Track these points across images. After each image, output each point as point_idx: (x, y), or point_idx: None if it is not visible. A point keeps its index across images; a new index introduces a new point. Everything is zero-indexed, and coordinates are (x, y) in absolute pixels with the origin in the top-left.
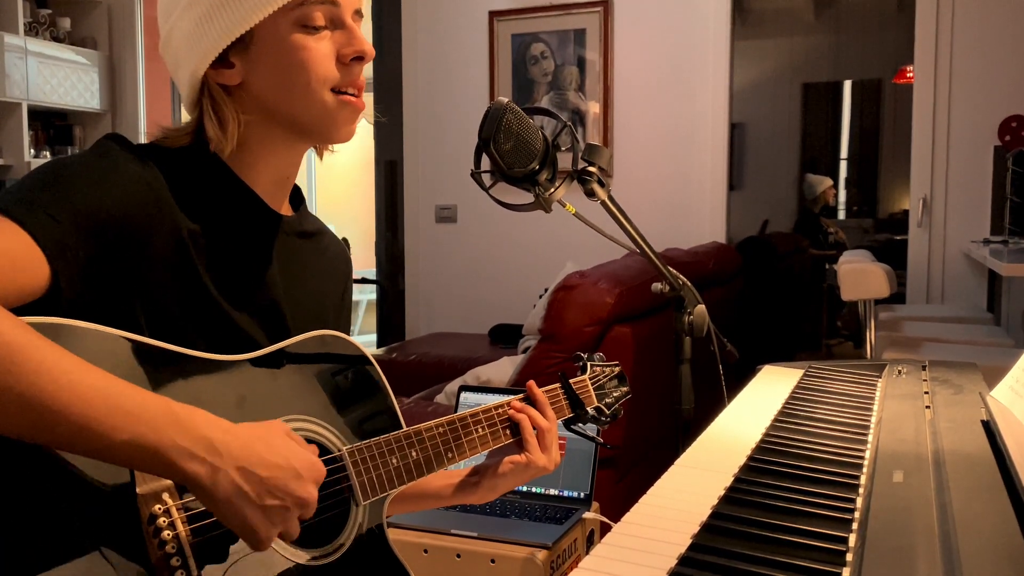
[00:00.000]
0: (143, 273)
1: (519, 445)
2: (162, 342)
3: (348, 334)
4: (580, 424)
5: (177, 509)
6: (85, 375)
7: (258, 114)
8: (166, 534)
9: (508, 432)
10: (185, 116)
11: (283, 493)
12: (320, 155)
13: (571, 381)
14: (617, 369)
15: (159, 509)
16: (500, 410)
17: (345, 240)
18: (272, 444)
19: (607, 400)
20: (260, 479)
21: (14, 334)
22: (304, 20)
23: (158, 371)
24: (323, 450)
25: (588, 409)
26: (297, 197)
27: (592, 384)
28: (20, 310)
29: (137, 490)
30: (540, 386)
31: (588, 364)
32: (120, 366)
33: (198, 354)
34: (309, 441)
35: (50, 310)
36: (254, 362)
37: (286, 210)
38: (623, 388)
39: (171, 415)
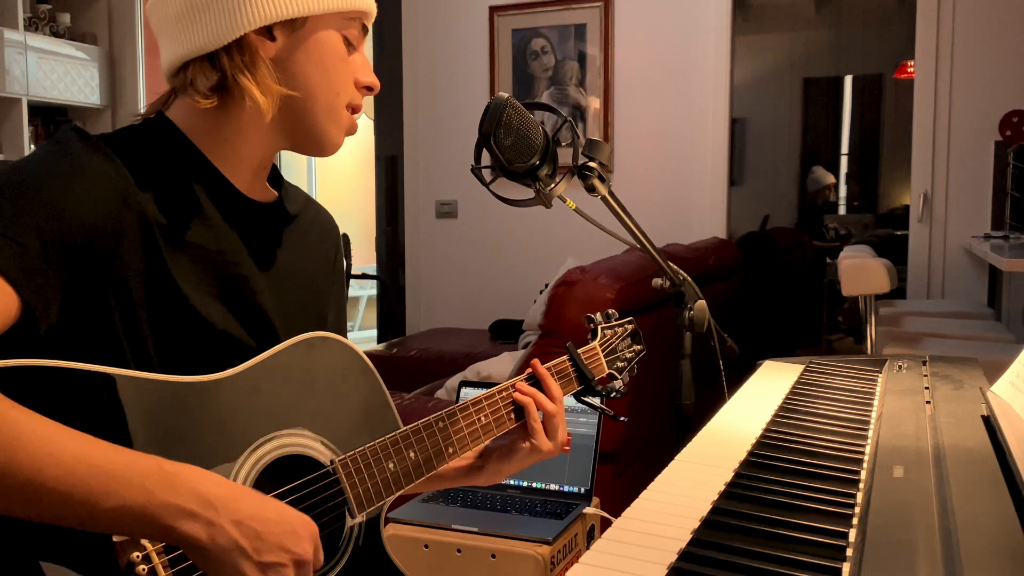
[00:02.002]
0: (116, 274)
1: (524, 429)
2: (133, 371)
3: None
4: (590, 396)
5: (157, 554)
6: (65, 444)
7: (287, 94)
8: None
9: (512, 417)
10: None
11: (280, 549)
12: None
13: (580, 350)
14: (631, 327)
15: (137, 557)
16: (504, 394)
17: (345, 236)
18: (266, 499)
19: (618, 364)
20: (257, 533)
21: None
22: (346, 31)
23: (132, 405)
24: (314, 464)
25: (598, 379)
26: (275, 177)
27: (603, 349)
28: None
29: (113, 538)
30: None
31: (599, 327)
32: (93, 405)
33: (173, 378)
34: (298, 456)
35: (27, 336)
36: (236, 377)
37: (267, 195)
38: (636, 346)
39: (160, 473)
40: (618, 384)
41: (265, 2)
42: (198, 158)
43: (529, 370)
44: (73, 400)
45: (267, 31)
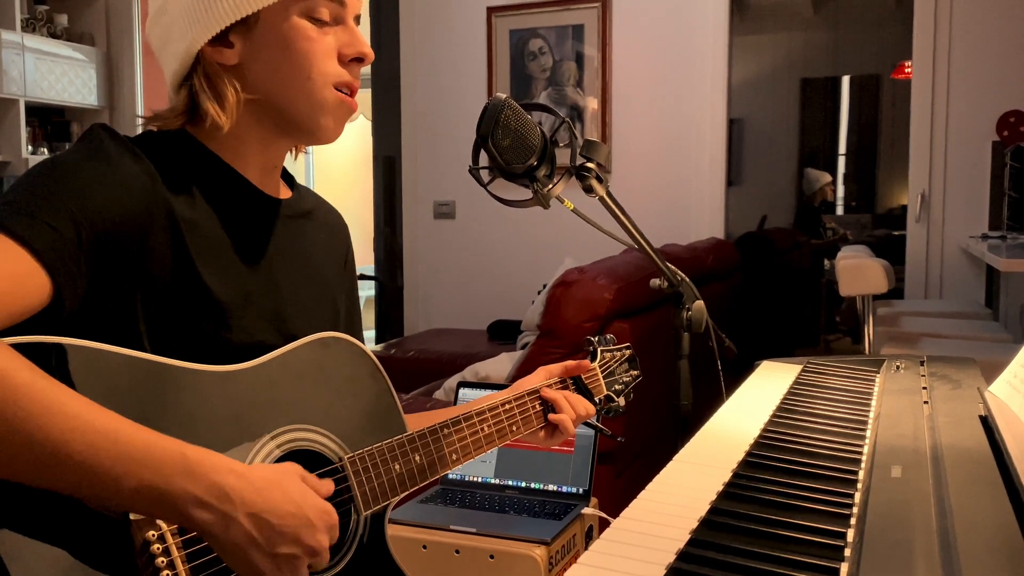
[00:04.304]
0: (143, 267)
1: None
2: (152, 355)
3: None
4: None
5: (172, 534)
6: (92, 419)
7: (252, 98)
8: (160, 561)
9: (514, 429)
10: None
11: (294, 542)
12: (295, 155)
13: None
14: (628, 352)
15: (153, 535)
16: (507, 406)
17: None
18: (286, 490)
19: (616, 387)
20: (272, 526)
21: (20, 376)
22: (311, 12)
23: (151, 389)
24: (323, 460)
25: (597, 399)
26: (289, 178)
27: (602, 371)
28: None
29: (130, 516)
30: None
31: (598, 349)
32: (110, 386)
33: (192, 366)
34: (308, 452)
35: (52, 319)
36: (252, 370)
37: (283, 193)
38: (633, 372)
39: (181, 460)
40: (615, 405)
41: (207, 13)
42: (215, 160)
43: (553, 378)
44: (90, 379)
45: (223, 39)
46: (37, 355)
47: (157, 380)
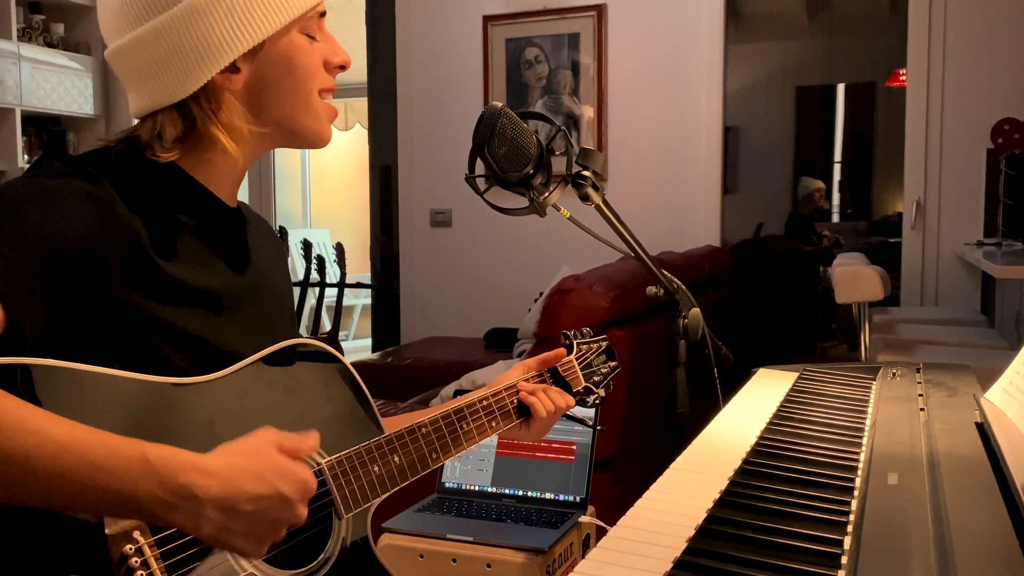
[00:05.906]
0: (106, 290)
1: (520, 425)
2: (122, 371)
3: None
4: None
5: (149, 547)
6: (54, 432)
7: (260, 129)
8: (140, 575)
9: (493, 426)
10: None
11: (274, 523)
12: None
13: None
14: (604, 344)
15: (130, 549)
16: (484, 403)
17: (339, 245)
18: (257, 472)
19: (595, 378)
20: (245, 514)
21: None
22: (307, 29)
23: (122, 403)
24: None
25: (577, 390)
26: None
27: (579, 363)
28: None
29: (106, 531)
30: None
31: (575, 343)
32: (83, 403)
33: (164, 379)
34: None
35: (14, 346)
36: (224, 380)
37: (234, 201)
38: (611, 363)
39: (145, 464)
40: (593, 398)
41: (223, 43)
42: (179, 174)
43: (530, 372)
44: (65, 400)
45: (230, 66)
46: (7, 378)
47: (129, 396)
